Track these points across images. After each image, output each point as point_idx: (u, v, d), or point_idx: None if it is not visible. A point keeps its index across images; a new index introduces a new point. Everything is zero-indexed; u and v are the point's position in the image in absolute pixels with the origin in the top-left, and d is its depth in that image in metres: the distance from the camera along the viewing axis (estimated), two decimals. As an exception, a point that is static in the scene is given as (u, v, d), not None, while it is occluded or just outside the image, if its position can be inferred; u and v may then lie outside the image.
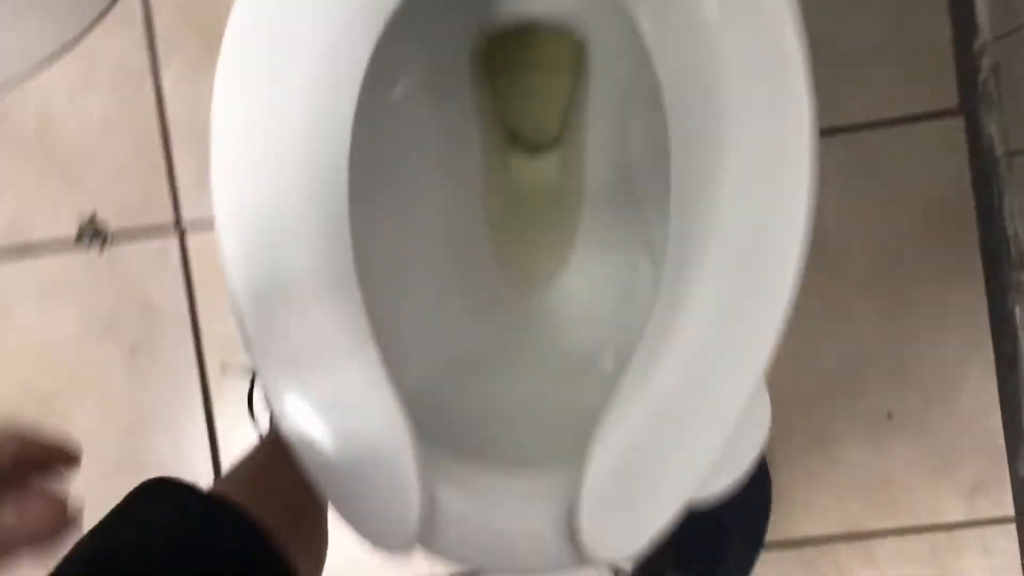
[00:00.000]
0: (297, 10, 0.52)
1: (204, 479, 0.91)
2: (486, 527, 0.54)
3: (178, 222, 0.92)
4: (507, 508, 0.54)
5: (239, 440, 0.91)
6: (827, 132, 0.84)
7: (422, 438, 0.56)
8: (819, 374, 0.85)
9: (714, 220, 0.51)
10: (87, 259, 0.93)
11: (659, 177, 0.66)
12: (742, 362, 0.52)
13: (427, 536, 0.54)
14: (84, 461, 0.94)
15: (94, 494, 0.92)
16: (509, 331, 0.68)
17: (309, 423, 0.53)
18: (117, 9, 0.93)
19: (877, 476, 0.85)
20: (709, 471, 0.51)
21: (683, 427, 0.52)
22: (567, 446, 0.56)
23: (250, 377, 0.84)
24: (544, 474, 0.58)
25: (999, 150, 0.84)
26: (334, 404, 0.54)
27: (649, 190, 0.67)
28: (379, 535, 0.53)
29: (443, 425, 0.61)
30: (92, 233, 0.92)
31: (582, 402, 0.57)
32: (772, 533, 0.86)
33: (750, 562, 0.85)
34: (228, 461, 0.92)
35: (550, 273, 0.69)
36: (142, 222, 0.92)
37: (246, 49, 0.53)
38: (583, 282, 0.68)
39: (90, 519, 0.89)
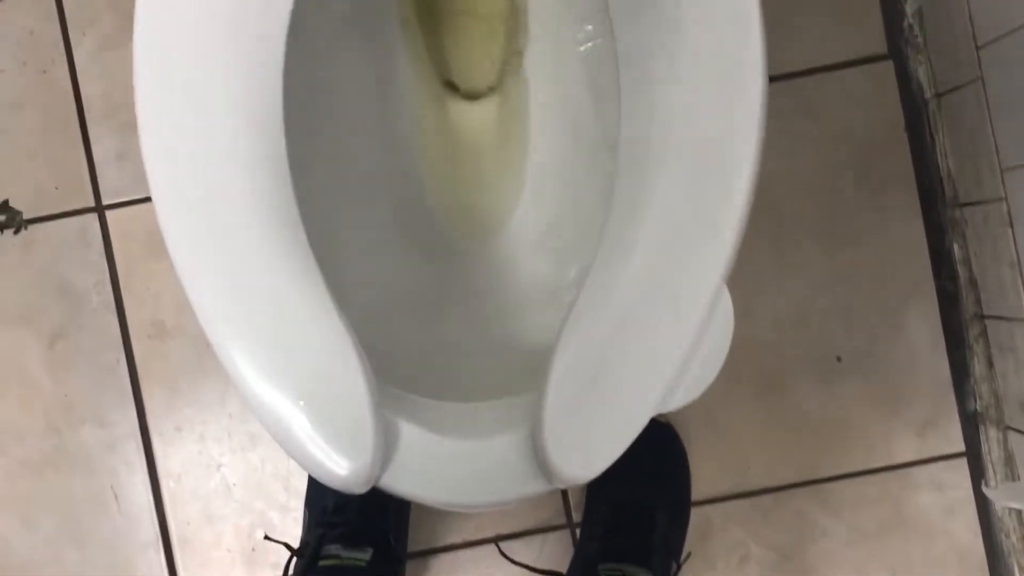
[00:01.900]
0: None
1: (137, 471, 0.86)
2: (448, 458, 0.51)
3: (97, 200, 0.88)
4: (469, 438, 0.52)
5: (171, 428, 0.86)
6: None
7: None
8: (769, 318, 0.85)
9: (668, 121, 0.50)
10: (0, 243, 0.87)
11: (605, 113, 0.65)
12: (703, 264, 0.50)
13: (386, 472, 0.51)
14: (6, 460, 0.88)
15: (22, 492, 0.86)
16: (461, 271, 0.65)
17: (252, 353, 0.50)
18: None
19: (830, 420, 0.85)
20: (674, 379, 0.50)
21: (645, 335, 0.50)
22: (529, 377, 0.53)
23: (288, 557, 0.76)
24: (504, 403, 0.55)
25: (928, 92, 0.86)
26: (280, 333, 0.51)
27: (598, 124, 0.66)
28: (333, 471, 0.50)
29: (393, 364, 0.58)
30: (5, 218, 0.87)
31: (544, 335, 0.54)
32: (727, 485, 0.85)
33: (681, 533, 0.83)
34: (161, 450, 0.87)
35: (500, 217, 0.67)
36: (59, 202, 0.87)
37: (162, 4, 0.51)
38: (536, 221, 0.66)
39: (20, 515, 0.83)
